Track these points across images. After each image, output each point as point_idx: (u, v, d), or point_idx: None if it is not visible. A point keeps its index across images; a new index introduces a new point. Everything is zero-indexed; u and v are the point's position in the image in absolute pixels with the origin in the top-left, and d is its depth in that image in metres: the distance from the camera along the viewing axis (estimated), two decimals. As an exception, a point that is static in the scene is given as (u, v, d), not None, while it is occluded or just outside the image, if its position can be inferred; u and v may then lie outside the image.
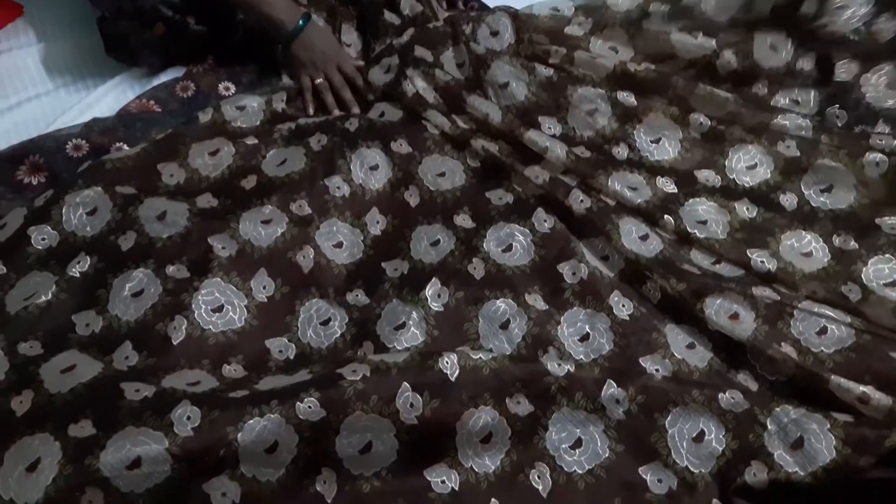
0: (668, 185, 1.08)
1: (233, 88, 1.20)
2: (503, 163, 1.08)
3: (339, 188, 1.04)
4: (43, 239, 0.95)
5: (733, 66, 1.18)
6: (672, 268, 0.97)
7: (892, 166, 1.05)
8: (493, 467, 0.80)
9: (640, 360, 0.90)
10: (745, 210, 1.05)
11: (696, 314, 0.92)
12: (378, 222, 1.04)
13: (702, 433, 0.82)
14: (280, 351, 0.89)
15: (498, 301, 0.94)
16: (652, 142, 1.13)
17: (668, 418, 0.83)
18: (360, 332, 0.92)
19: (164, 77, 1.20)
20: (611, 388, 0.84)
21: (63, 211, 0.97)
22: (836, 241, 1.01)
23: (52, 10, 1.28)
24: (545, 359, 0.88)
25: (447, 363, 0.81)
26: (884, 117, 1.13)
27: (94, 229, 0.96)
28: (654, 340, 0.92)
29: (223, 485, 0.74)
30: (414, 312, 0.92)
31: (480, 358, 0.83)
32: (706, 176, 1.09)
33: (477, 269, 0.97)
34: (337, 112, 1.17)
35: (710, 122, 1.12)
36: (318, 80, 1.18)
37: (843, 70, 1.16)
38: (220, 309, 0.89)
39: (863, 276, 0.97)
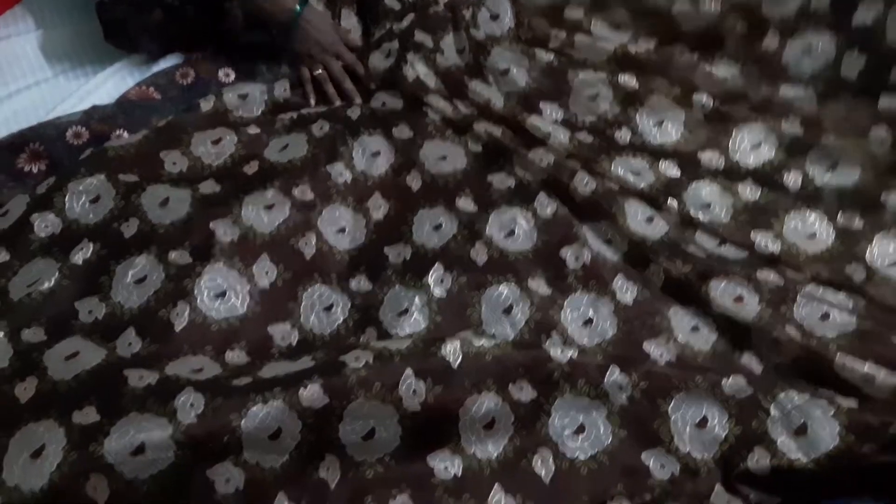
0: (671, 169, 1.07)
1: (233, 75, 1.19)
2: (506, 146, 1.07)
3: (341, 175, 1.03)
4: (46, 226, 0.95)
5: (739, 29, 1.16)
6: (677, 250, 0.97)
7: None
8: (495, 453, 0.81)
9: (643, 344, 0.90)
10: (749, 192, 1.05)
11: (701, 297, 0.92)
12: (380, 207, 1.03)
13: (705, 419, 0.82)
14: (283, 337, 0.90)
15: (500, 286, 0.94)
16: (654, 125, 1.12)
17: (671, 404, 0.83)
18: (362, 318, 0.92)
19: (164, 64, 1.20)
20: (614, 374, 0.84)
21: (66, 198, 0.97)
22: (841, 219, 1.01)
23: (51, -4, 1.27)
24: (548, 344, 0.88)
25: (450, 350, 0.81)
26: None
27: (96, 217, 0.96)
28: (657, 324, 0.92)
29: (227, 471, 0.74)
30: (417, 298, 0.92)
31: (483, 344, 0.83)
32: (709, 157, 1.09)
33: (479, 254, 0.97)
34: (338, 102, 1.16)
35: (712, 103, 1.12)
36: (318, 72, 1.17)
37: (865, 7, 1.11)
38: (222, 295, 0.89)
39: (867, 255, 0.96)
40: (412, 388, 0.79)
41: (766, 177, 1.07)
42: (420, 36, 1.18)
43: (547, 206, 1.01)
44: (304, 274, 0.94)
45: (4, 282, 0.90)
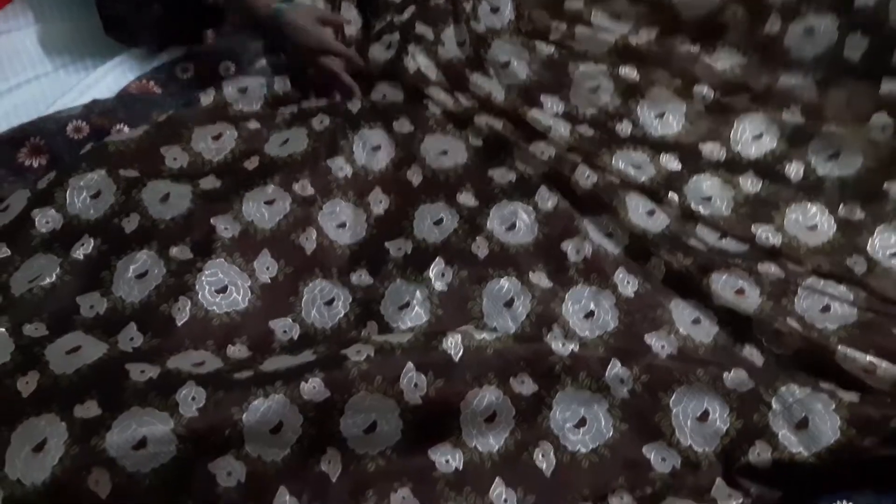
0: (671, 163, 1.07)
1: (233, 68, 1.18)
2: (507, 140, 1.07)
3: (341, 169, 1.03)
4: (47, 222, 0.95)
5: (740, 16, 1.15)
6: (678, 243, 0.97)
7: None
8: (497, 446, 0.81)
9: (645, 337, 0.90)
10: (750, 184, 1.05)
11: (702, 289, 0.93)
12: (381, 202, 1.03)
13: (706, 412, 0.82)
14: (284, 331, 0.90)
15: (502, 280, 0.94)
16: (655, 117, 1.12)
17: (673, 397, 0.83)
18: (363, 313, 0.92)
19: (164, 57, 1.20)
20: (615, 368, 0.84)
21: (67, 194, 0.97)
22: (843, 210, 1.01)
23: (51, -10, 1.27)
24: (549, 338, 0.88)
25: (451, 343, 0.81)
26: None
27: (97, 212, 0.96)
28: (659, 317, 0.92)
29: (229, 464, 0.74)
30: (418, 292, 0.92)
31: (484, 338, 0.83)
32: (711, 149, 1.09)
33: (480, 247, 0.97)
34: (338, 98, 1.15)
35: (713, 94, 1.11)
36: (311, 71, 1.15)
37: None
38: (223, 290, 0.89)
39: (868, 247, 0.96)
40: (413, 382, 0.79)
41: (767, 168, 1.06)
42: (421, 28, 1.18)
43: (548, 199, 1.01)
44: (305, 268, 0.94)
45: (6, 277, 0.91)
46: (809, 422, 0.79)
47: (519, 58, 1.16)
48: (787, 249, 0.97)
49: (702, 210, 1.01)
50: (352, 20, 1.26)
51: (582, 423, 0.83)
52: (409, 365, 0.79)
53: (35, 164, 1.05)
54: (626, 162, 1.05)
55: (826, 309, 0.90)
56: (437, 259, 0.95)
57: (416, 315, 0.90)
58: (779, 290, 0.92)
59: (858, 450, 0.77)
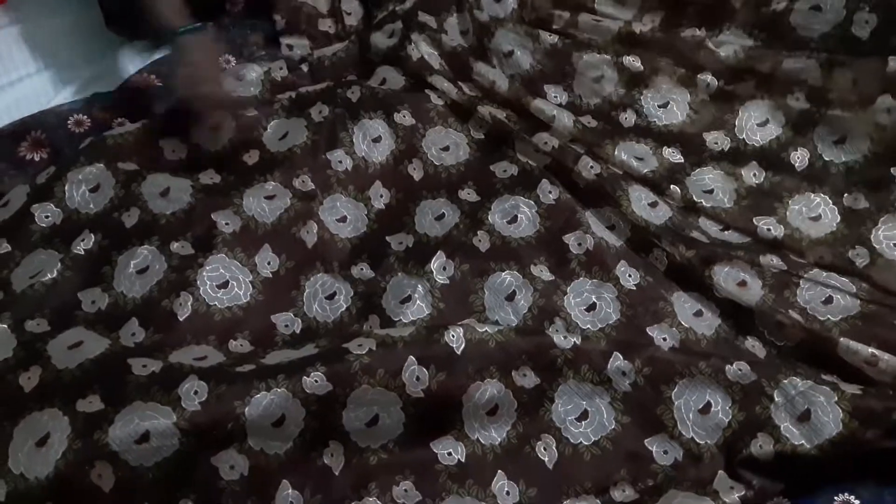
0: (674, 155, 1.07)
1: (233, 61, 1.18)
2: (509, 130, 1.06)
3: (341, 162, 1.03)
4: (46, 216, 0.95)
5: None
6: (680, 235, 0.96)
7: None
8: (499, 439, 0.81)
9: (647, 330, 0.90)
10: (753, 176, 1.04)
11: (704, 281, 0.92)
12: (381, 196, 1.03)
13: (708, 405, 0.82)
14: (286, 325, 0.90)
15: (503, 273, 0.93)
16: (659, 106, 1.11)
17: (675, 390, 0.83)
18: (365, 306, 0.92)
19: (165, 51, 1.19)
20: (617, 361, 0.84)
21: (66, 188, 0.97)
22: (847, 200, 1.00)
23: (52, -17, 1.27)
24: (551, 331, 0.88)
25: (453, 336, 0.81)
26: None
27: (97, 206, 0.96)
28: (661, 309, 0.92)
29: (231, 458, 0.75)
30: (419, 285, 0.92)
31: (486, 331, 0.83)
32: (715, 139, 1.08)
33: (482, 241, 0.97)
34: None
35: (717, 82, 1.10)
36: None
37: None
38: (225, 285, 0.90)
39: (872, 238, 0.96)
40: (415, 375, 0.79)
41: (772, 155, 1.06)
42: (423, 17, 1.17)
43: (550, 192, 1.01)
44: (306, 263, 0.94)
45: (7, 273, 0.91)
46: (811, 414, 0.79)
47: (522, 47, 1.15)
48: (790, 241, 0.96)
49: (704, 203, 1.01)
50: (352, 11, 1.25)
51: (584, 415, 0.83)
52: (411, 358, 0.79)
53: (36, 158, 1.06)
54: (629, 154, 1.05)
55: (828, 300, 0.90)
56: (439, 253, 0.94)
57: (418, 308, 0.90)
58: (781, 282, 0.91)
59: (860, 442, 0.77)
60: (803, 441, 0.78)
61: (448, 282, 0.93)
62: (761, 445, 0.79)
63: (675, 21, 1.17)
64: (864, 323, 0.87)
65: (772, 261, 0.93)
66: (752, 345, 0.89)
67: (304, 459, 0.77)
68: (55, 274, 0.90)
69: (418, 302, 0.90)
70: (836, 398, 0.79)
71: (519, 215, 0.99)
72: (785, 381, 0.82)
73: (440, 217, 1.00)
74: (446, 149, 1.06)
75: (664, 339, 0.89)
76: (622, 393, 0.83)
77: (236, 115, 1.06)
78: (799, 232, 0.98)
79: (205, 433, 0.74)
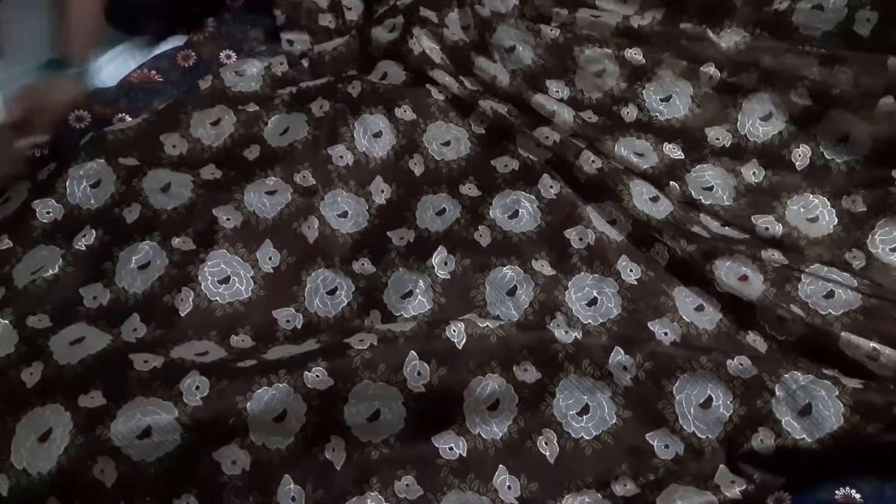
0: (674, 152, 1.06)
1: (234, 56, 1.18)
2: (511, 125, 1.06)
3: (342, 157, 1.03)
4: (48, 212, 0.95)
5: None
6: (682, 230, 0.96)
7: None
8: (500, 434, 0.81)
9: (648, 325, 0.89)
10: (752, 175, 1.04)
11: (706, 276, 0.92)
12: (382, 191, 1.03)
13: (709, 399, 0.82)
14: (287, 321, 0.90)
15: (505, 268, 0.93)
16: (662, 100, 1.11)
17: (676, 384, 0.83)
18: (366, 301, 0.92)
19: (166, 46, 1.19)
20: (618, 355, 0.84)
21: (67, 184, 0.97)
22: (845, 202, 1.00)
23: (52, -22, 1.26)
24: (553, 325, 0.88)
25: (454, 331, 0.81)
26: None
27: (98, 202, 0.97)
28: (662, 304, 0.92)
29: (233, 453, 0.75)
30: (420, 280, 0.92)
31: (487, 326, 0.83)
32: (717, 134, 1.08)
33: (483, 236, 0.97)
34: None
35: (720, 74, 1.10)
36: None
37: None
38: (226, 280, 0.90)
39: (868, 243, 0.95)
40: (417, 370, 0.79)
41: (773, 153, 1.05)
42: (425, 12, 1.17)
43: (551, 187, 1.01)
44: (308, 258, 0.94)
45: (8, 269, 0.91)
46: (813, 408, 0.79)
47: (524, 42, 1.15)
48: (788, 240, 0.96)
49: (703, 200, 1.00)
50: (353, 6, 1.25)
51: (585, 410, 0.83)
52: (413, 353, 0.79)
53: (37, 153, 1.05)
54: (629, 149, 1.04)
55: (830, 295, 0.90)
56: (440, 248, 0.94)
57: (419, 303, 0.90)
58: (782, 277, 0.91)
59: (862, 436, 0.77)
60: (804, 435, 0.78)
61: (449, 277, 0.93)
62: (762, 440, 0.79)
63: (676, 18, 1.17)
64: (866, 317, 0.87)
65: (773, 255, 0.93)
66: (754, 339, 0.89)
67: (306, 454, 0.77)
68: (57, 270, 0.90)
69: (419, 297, 0.90)
70: (838, 392, 0.79)
71: (520, 210, 0.99)
72: (786, 376, 0.81)
73: (441, 212, 1.00)
74: (447, 144, 1.06)
75: (665, 334, 0.88)
76: (623, 387, 0.83)
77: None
78: (797, 231, 0.97)
79: (206, 428, 0.74)
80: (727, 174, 1.04)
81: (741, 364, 0.83)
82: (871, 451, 0.78)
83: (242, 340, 0.87)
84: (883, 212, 0.97)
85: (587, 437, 0.82)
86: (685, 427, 0.82)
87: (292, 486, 0.76)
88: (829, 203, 1.00)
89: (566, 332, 0.84)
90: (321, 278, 0.94)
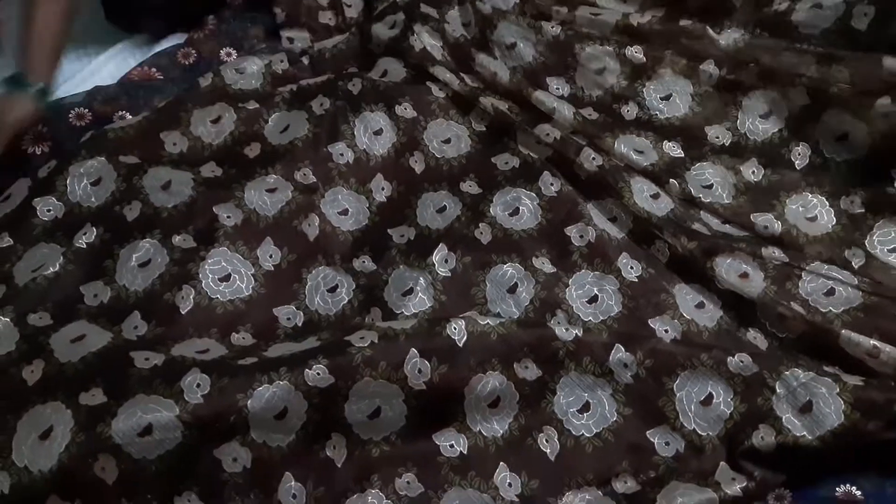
0: (674, 150, 1.06)
1: (234, 54, 1.19)
2: (511, 122, 1.06)
3: (342, 155, 1.03)
4: (48, 210, 0.96)
5: None
6: (682, 227, 0.96)
7: None
8: (501, 431, 0.81)
9: (649, 322, 0.90)
10: (752, 173, 1.04)
11: (706, 273, 0.92)
12: (383, 189, 1.03)
13: (710, 396, 0.82)
14: (288, 318, 0.90)
15: (505, 265, 0.93)
16: (662, 98, 1.11)
17: (677, 382, 0.83)
18: (367, 299, 0.92)
19: (166, 44, 1.20)
20: (619, 353, 0.84)
21: (67, 182, 0.97)
22: (844, 202, 1.00)
23: (52, -24, 1.26)
24: (553, 323, 0.88)
25: (455, 329, 0.81)
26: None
27: (98, 199, 0.97)
28: (662, 301, 0.92)
29: (234, 450, 0.75)
30: (421, 278, 0.92)
31: (488, 323, 0.83)
32: (717, 133, 1.08)
33: (484, 233, 0.97)
34: None
35: (719, 72, 1.10)
36: None
37: None
38: (227, 278, 0.90)
39: (867, 243, 0.95)
40: (417, 368, 0.79)
41: (772, 151, 1.05)
42: (426, 9, 1.17)
43: (551, 184, 1.01)
44: (308, 255, 0.94)
45: (9, 267, 0.91)
46: (813, 405, 0.79)
47: (525, 39, 1.15)
48: (788, 238, 0.96)
49: (703, 198, 1.00)
50: (353, 3, 1.25)
51: (586, 407, 0.83)
52: (413, 351, 0.79)
53: (38, 151, 1.06)
54: (629, 147, 1.04)
55: (830, 292, 0.90)
56: (441, 245, 0.94)
57: (420, 301, 0.90)
58: (783, 274, 0.91)
59: (862, 433, 0.77)
60: (805, 432, 0.78)
61: (450, 274, 0.93)
62: (763, 437, 0.79)
63: (675, 17, 1.17)
64: (866, 315, 0.87)
65: (773, 253, 0.93)
66: (754, 336, 0.89)
67: (307, 452, 0.78)
68: (57, 267, 0.90)
69: (420, 294, 0.90)
70: (838, 390, 0.79)
71: (520, 207, 0.99)
72: (787, 373, 0.81)
73: (442, 209, 1.00)
74: (448, 141, 1.06)
75: (666, 331, 0.88)
76: (624, 385, 0.83)
77: None
78: (797, 229, 0.97)
79: (207, 426, 0.74)
80: (727, 172, 1.04)
81: (742, 361, 0.83)
82: (871, 449, 0.78)
83: (243, 338, 0.87)
84: (881, 212, 0.97)
85: (588, 435, 0.82)
86: (686, 424, 0.82)
87: (293, 483, 0.76)
88: (827, 203, 1.00)
89: (567, 329, 0.84)
90: (322, 276, 0.94)
